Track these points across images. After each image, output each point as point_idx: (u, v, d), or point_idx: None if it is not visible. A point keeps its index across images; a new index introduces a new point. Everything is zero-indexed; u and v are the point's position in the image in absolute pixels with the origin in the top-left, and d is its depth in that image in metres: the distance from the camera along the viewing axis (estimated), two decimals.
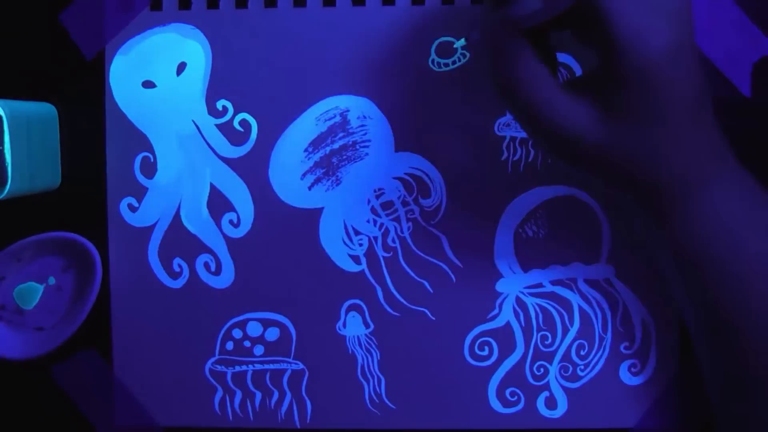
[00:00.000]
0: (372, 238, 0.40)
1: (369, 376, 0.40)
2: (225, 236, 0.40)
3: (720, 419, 0.34)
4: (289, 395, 0.41)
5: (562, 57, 0.39)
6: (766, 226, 0.31)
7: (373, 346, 0.40)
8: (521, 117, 0.30)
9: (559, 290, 0.40)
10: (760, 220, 0.31)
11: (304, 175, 0.40)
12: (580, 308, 0.40)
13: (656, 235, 0.33)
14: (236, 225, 0.40)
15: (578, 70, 0.39)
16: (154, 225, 0.41)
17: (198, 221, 0.41)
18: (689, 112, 0.29)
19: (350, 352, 0.40)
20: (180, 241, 0.41)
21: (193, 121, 0.40)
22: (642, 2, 0.27)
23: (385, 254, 0.40)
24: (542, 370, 0.40)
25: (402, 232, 0.40)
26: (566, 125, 0.29)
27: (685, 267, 0.32)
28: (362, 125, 0.40)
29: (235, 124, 0.40)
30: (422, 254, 0.40)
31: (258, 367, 0.41)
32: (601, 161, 0.30)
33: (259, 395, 0.41)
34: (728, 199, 0.31)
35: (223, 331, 0.41)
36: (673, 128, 0.29)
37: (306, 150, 0.40)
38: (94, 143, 0.41)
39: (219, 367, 0.41)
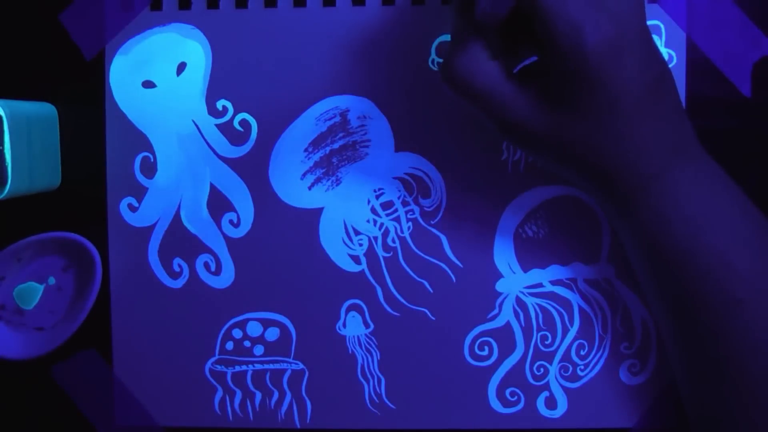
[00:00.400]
0: (372, 238, 0.40)
1: (369, 376, 0.40)
2: (225, 236, 0.40)
3: (689, 409, 0.34)
4: (289, 395, 0.41)
5: None
6: (727, 218, 0.31)
7: (373, 346, 0.40)
8: (472, 105, 0.32)
9: (559, 290, 0.40)
10: (721, 212, 0.31)
11: (304, 175, 0.40)
12: (580, 308, 0.40)
13: (620, 224, 0.34)
14: (236, 225, 0.40)
15: None
16: (154, 225, 0.41)
17: (198, 221, 0.41)
18: (636, 105, 0.29)
19: (350, 352, 0.40)
20: (180, 241, 0.41)
21: (193, 121, 0.40)
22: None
23: (385, 254, 0.40)
24: (542, 370, 0.40)
25: (402, 232, 0.40)
26: (511, 113, 0.31)
27: (647, 257, 0.33)
28: (362, 125, 0.40)
29: (235, 124, 0.40)
30: (422, 254, 0.40)
31: (258, 367, 0.41)
32: (549, 149, 0.31)
33: (259, 395, 0.41)
34: (688, 190, 0.31)
35: (223, 331, 0.41)
36: (617, 121, 0.29)
37: (306, 150, 0.40)
38: (94, 143, 0.41)
39: (219, 367, 0.41)
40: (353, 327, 0.40)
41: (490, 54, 0.31)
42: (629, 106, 0.29)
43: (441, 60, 0.39)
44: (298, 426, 0.41)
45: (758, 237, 0.31)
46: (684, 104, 0.39)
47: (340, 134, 0.40)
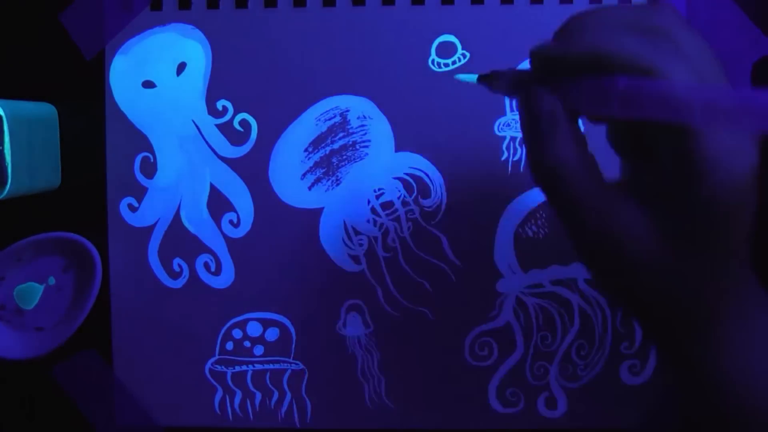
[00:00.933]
0: (372, 238, 0.40)
1: (369, 376, 0.40)
2: (225, 236, 0.40)
3: None
4: (289, 395, 0.41)
5: None
6: None
7: (373, 346, 0.40)
8: (563, 207, 0.26)
9: (559, 290, 0.40)
10: None
11: (304, 175, 0.40)
12: (580, 308, 0.40)
13: (682, 376, 0.29)
14: (236, 225, 0.40)
15: None
16: (154, 225, 0.41)
17: (198, 221, 0.41)
18: (746, 240, 0.25)
19: (350, 352, 0.40)
20: (180, 241, 0.41)
21: (193, 121, 0.40)
22: (720, 131, 0.23)
23: (385, 254, 0.40)
24: (542, 370, 0.40)
25: (402, 232, 0.40)
26: (615, 228, 0.25)
27: (696, 404, 0.29)
28: (362, 125, 0.40)
29: (235, 124, 0.40)
30: (422, 254, 0.40)
31: (258, 367, 0.41)
32: (642, 278, 0.26)
33: (259, 395, 0.41)
34: (752, 341, 0.27)
35: (223, 331, 0.41)
36: (727, 256, 0.25)
37: (306, 150, 0.40)
38: (94, 143, 0.41)
39: (219, 367, 0.41)
40: (353, 327, 0.40)
41: (590, 154, 0.26)
42: (739, 241, 0.25)
43: (445, 61, 0.39)
44: (298, 426, 0.41)
45: None
46: None
47: (340, 134, 0.40)
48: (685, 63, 0.24)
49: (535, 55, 0.27)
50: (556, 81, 0.26)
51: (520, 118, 0.27)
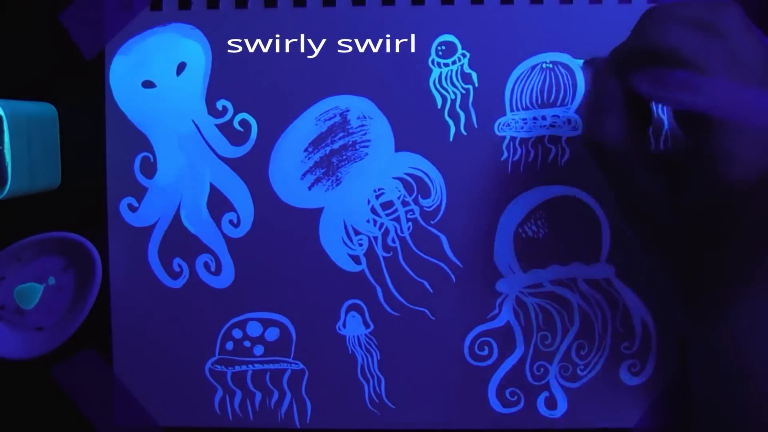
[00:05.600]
0: (372, 238, 0.40)
1: (369, 376, 0.40)
2: (225, 236, 0.40)
3: None
4: (289, 395, 0.41)
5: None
6: None
7: (373, 346, 0.40)
8: (606, 172, 0.31)
9: (559, 290, 0.40)
10: None
11: (304, 175, 0.40)
12: (580, 308, 0.40)
13: (693, 335, 0.32)
14: (236, 225, 0.40)
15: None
16: (154, 225, 0.41)
17: (198, 221, 0.41)
18: (757, 238, 0.28)
19: (350, 352, 0.40)
20: (180, 241, 0.41)
21: (192, 121, 0.40)
22: (746, 130, 0.26)
23: (385, 254, 0.40)
24: (542, 370, 0.40)
25: (402, 232, 0.40)
26: (643, 195, 0.30)
27: (714, 371, 0.31)
28: (362, 125, 0.40)
29: (235, 124, 0.40)
30: (422, 254, 0.40)
31: (258, 367, 0.41)
32: (666, 242, 0.30)
33: (259, 395, 0.41)
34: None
35: (223, 331, 0.41)
36: (736, 248, 0.28)
37: (306, 150, 0.40)
38: (94, 143, 0.41)
39: (219, 367, 0.41)
40: (353, 327, 0.40)
41: (637, 128, 0.30)
42: (758, 236, 0.28)
43: (445, 61, 0.39)
44: (298, 426, 0.41)
45: None
46: None
47: (340, 134, 0.40)
48: (730, 65, 0.26)
49: (613, 51, 0.31)
50: (626, 68, 0.30)
51: (586, 95, 0.33)
